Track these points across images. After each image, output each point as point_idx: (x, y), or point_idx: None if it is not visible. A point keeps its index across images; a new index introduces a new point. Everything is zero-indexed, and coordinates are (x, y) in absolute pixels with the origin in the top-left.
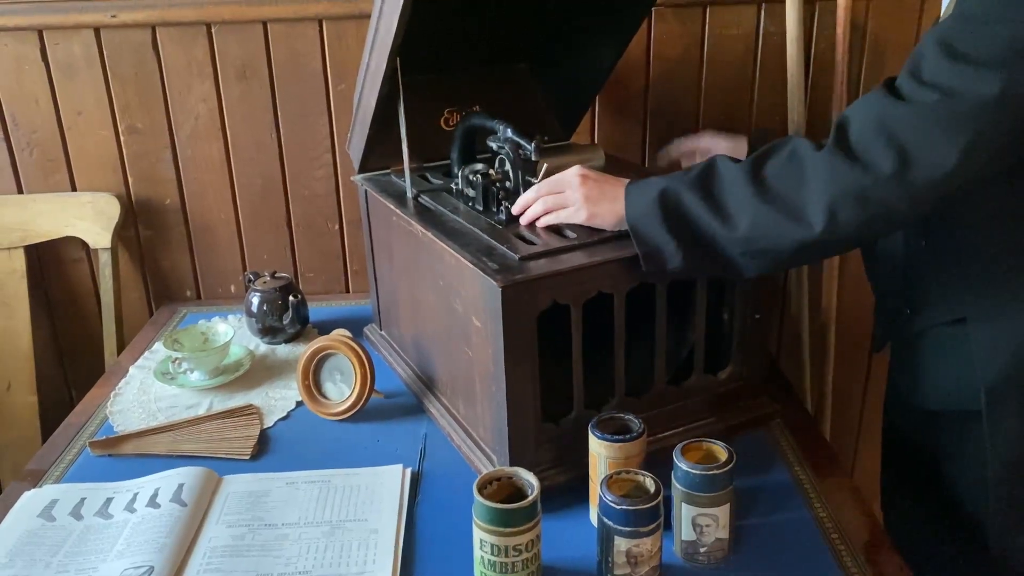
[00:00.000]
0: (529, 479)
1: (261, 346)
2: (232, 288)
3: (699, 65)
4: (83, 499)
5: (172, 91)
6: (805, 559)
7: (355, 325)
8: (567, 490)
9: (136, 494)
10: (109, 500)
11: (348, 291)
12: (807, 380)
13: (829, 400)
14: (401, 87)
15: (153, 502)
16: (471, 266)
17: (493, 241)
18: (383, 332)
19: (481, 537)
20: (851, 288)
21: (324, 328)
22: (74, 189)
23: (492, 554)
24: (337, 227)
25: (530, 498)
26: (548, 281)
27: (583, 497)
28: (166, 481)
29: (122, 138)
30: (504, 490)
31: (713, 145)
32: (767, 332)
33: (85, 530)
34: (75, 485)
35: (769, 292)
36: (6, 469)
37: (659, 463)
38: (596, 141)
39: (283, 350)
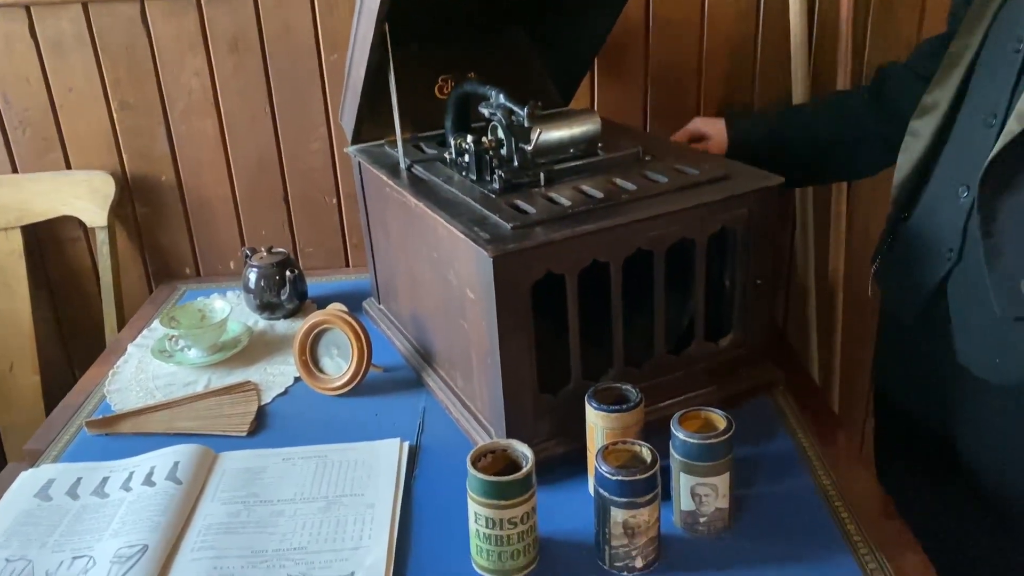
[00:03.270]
0: (524, 451)
1: (260, 322)
2: (231, 265)
3: (700, 26)
4: (79, 479)
5: (164, 66)
6: (807, 528)
7: (355, 300)
8: (566, 462)
9: (132, 473)
10: (105, 479)
11: (348, 265)
12: (813, 347)
13: (837, 368)
14: (391, 55)
15: (149, 480)
16: (463, 237)
17: (486, 211)
18: (382, 306)
19: (476, 510)
20: (859, 251)
21: (324, 304)
22: (69, 167)
23: (487, 527)
24: (335, 201)
25: (524, 470)
26: (541, 250)
27: (582, 469)
28: (162, 459)
29: (115, 115)
30: (499, 462)
31: (704, 127)
32: (770, 298)
33: (81, 509)
34: (71, 465)
35: (771, 257)
36: (12, 449)
37: (660, 433)
38: (596, 108)
39: (282, 326)
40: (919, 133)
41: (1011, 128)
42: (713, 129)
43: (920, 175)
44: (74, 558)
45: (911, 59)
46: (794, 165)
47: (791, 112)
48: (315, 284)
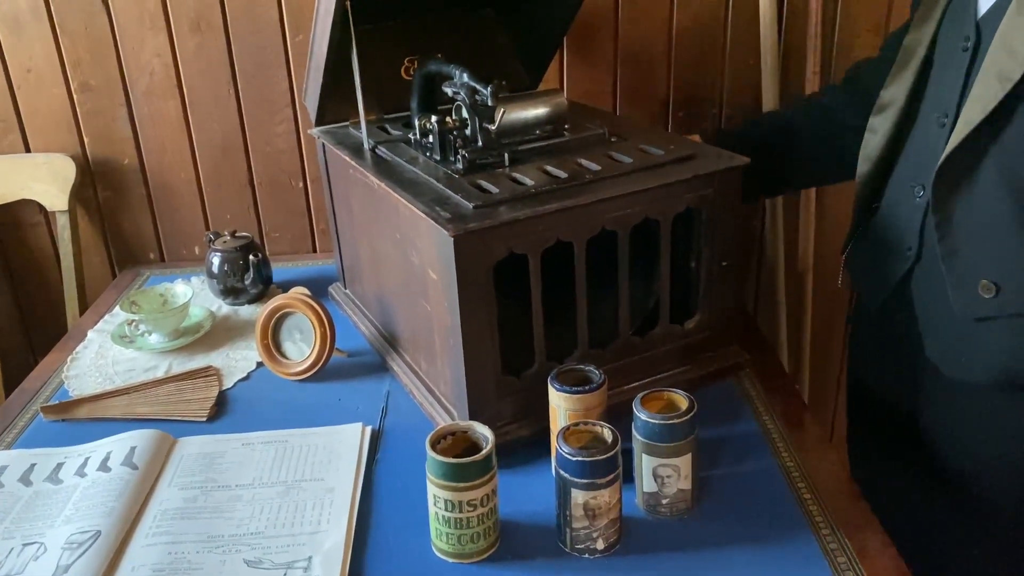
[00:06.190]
0: (484, 432)
1: (224, 308)
2: (196, 250)
3: (669, 7)
4: (33, 465)
5: (124, 46)
6: (771, 509)
7: (321, 285)
8: (530, 444)
9: (87, 458)
10: (60, 465)
11: (315, 250)
12: (783, 332)
13: (807, 352)
14: (353, 33)
15: (104, 466)
16: (424, 216)
17: (448, 190)
18: (348, 291)
19: (435, 493)
20: (829, 235)
21: (289, 289)
22: (28, 150)
23: (446, 510)
24: (301, 184)
25: (484, 452)
26: (503, 230)
27: (546, 452)
28: (118, 445)
29: (75, 96)
30: (459, 444)
31: None
32: (737, 280)
33: (34, 496)
34: (25, 451)
35: (738, 239)
36: None
37: (626, 415)
38: (567, 92)
39: (246, 311)
40: (877, 130)
41: (959, 132)
42: None
43: (881, 172)
44: (24, 544)
45: (883, 48)
46: (774, 166)
47: (765, 116)
48: (281, 269)
